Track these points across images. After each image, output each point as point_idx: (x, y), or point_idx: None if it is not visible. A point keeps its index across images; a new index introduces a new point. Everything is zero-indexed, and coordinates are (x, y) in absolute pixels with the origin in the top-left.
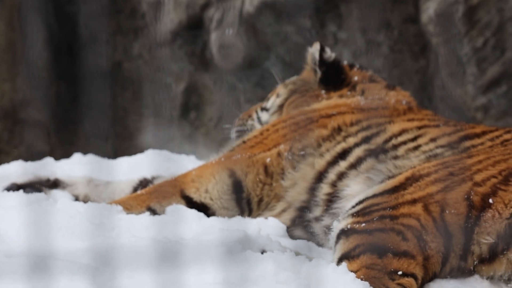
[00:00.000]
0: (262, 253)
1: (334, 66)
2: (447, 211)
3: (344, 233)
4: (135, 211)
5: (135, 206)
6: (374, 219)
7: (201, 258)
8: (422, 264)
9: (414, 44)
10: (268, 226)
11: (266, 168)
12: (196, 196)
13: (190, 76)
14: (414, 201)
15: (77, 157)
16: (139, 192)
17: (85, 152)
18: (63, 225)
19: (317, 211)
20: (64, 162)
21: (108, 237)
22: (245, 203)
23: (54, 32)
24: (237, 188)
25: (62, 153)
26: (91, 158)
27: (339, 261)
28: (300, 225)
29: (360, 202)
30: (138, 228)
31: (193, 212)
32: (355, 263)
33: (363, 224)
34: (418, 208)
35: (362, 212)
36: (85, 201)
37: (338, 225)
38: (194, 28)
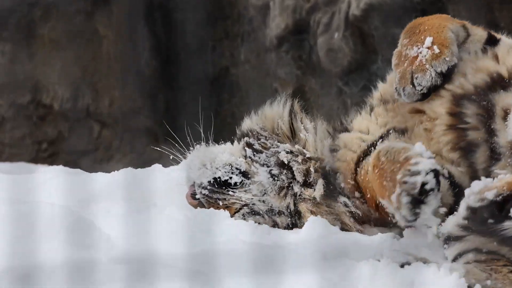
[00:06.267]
0: None
1: None
2: None
3: None
4: None
5: None
6: None
7: None
8: None
9: None
10: None
11: None
12: None
13: (297, 81)
14: None
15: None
16: None
17: None
18: (170, 231)
19: None
20: (172, 169)
21: (216, 242)
22: None
23: (161, 40)
24: None
25: (170, 160)
26: None
27: None
28: None
29: None
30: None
31: None
32: None
33: None
34: None
35: None
36: None
37: None
38: (300, 32)
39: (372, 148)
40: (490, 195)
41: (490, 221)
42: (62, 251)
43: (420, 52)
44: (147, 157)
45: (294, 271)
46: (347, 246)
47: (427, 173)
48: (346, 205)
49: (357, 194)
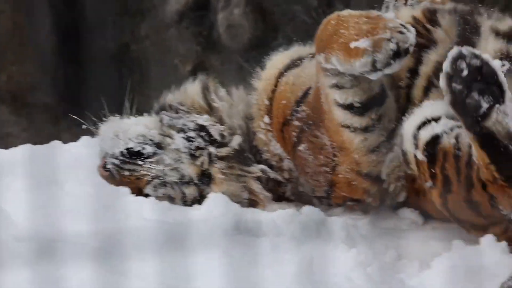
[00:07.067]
0: None
1: None
2: None
3: None
4: None
5: None
6: None
7: None
8: None
9: None
10: None
11: None
12: None
13: (197, 57)
14: None
15: (84, 139)
16: None
17: (93, 135)
18: (71, 208)
19: None
20: (72, 145)
21: (118, 219)
22: None
23: (60, 15)
24: None
25: (70, 136)
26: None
27: None
28: None
29: None
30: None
31: None
32: None
33: None
34: None
35: None
36: None
37: None
38: (201, 8)
39: (299, 61)
40: None
41: None
42: None
43: None
44: (46, 133)
45: (197, 247)
46: (248, 223)
47: (414, 34)
48: (263, 171)
49: (266, 119)
